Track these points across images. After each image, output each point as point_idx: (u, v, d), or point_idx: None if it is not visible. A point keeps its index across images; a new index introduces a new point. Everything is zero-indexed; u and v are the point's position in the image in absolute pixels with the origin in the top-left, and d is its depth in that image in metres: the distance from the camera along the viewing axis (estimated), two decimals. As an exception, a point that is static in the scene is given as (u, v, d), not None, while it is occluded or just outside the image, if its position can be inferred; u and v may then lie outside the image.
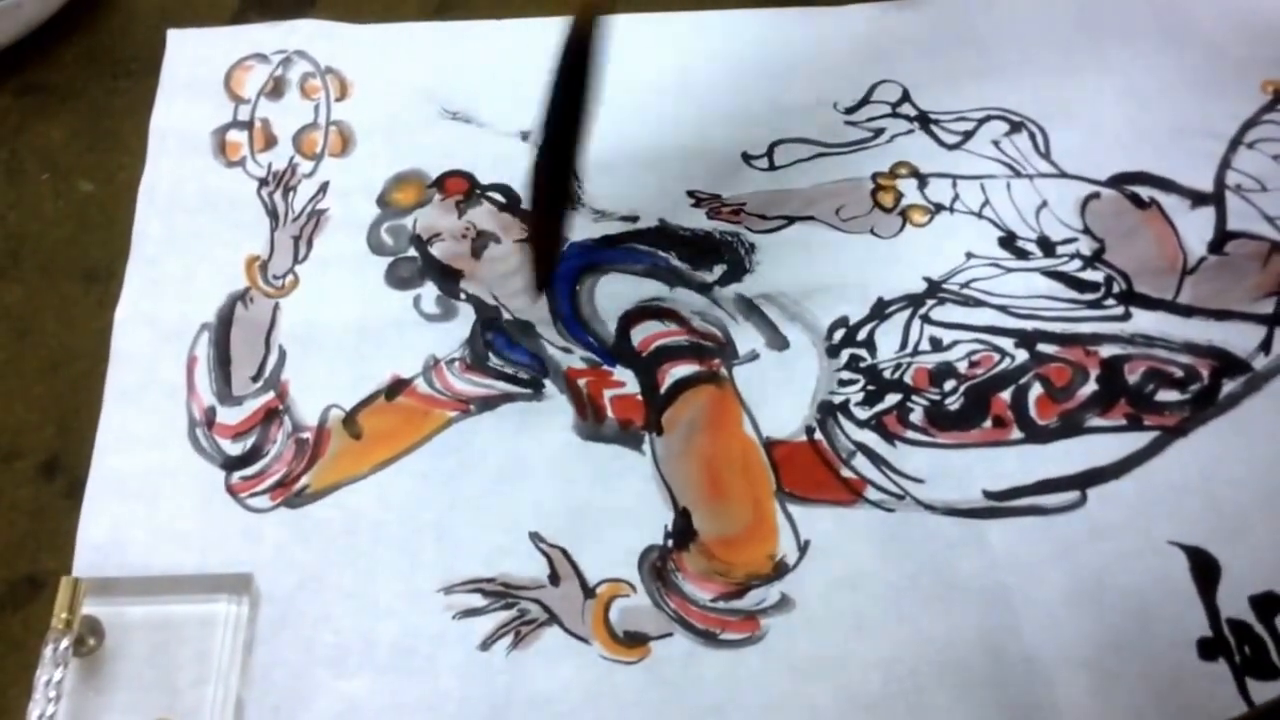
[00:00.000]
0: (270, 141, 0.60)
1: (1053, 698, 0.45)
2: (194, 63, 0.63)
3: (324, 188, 0.58)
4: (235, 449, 0.51)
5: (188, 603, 0.46)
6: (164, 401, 0.52)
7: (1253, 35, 0.63)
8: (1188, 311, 0.54)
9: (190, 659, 0.45)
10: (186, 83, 0.62)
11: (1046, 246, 0.56)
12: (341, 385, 0.52)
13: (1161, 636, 0.46)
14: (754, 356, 0.53)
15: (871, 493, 0.50)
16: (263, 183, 0.59)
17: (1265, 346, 0.53)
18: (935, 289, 0.55)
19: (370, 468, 0.50)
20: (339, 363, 0.53)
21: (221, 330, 0.54)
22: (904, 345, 0.54)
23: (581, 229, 0.57)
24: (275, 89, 0.62)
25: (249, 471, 0.50)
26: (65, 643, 0.43)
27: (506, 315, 0.55)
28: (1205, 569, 0.47)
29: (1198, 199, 0.58)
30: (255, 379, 0.53)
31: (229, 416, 0.52)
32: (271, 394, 0.52)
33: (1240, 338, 0.53)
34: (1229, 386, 0.52)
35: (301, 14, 0.65)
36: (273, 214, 0.58)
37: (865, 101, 0.61)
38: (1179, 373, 0.52)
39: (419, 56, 0.63)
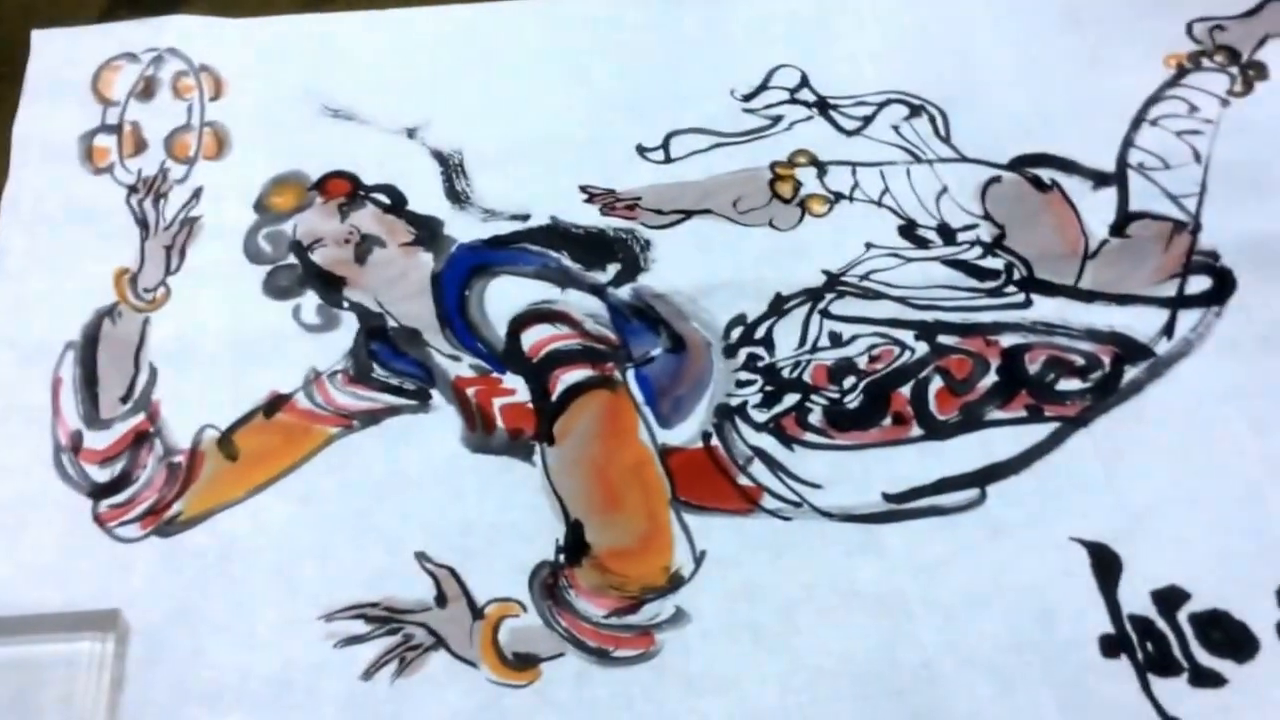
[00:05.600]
0: (140, 145, 0.57)
1: (953, 702, 0.44)
2: (60, 64, 0.59)
3: (197, 193, 0.56)
4: (103, 475, 0.48)
5: (49, 642, 0.44)
6: (27, 427, 0.49)
7: (1155, 8, 0.62)
8: (1089, 297, 0.53)
9: (54, 702, 0.43)
10: (52, 86, 0.59)
11: (947, 234, 0.55)
12: (217, 404, 0.50)
13: (1062, 635, 0.45)
14: (649, 359, 0.52)
15: (769, 501, 0.48)
16: (132, 190, 0.56)
17: (1168, 330, 0.52)
18: (834, 282, 0.53)
19: (247, 491, 0.48)
20: (214, 380, 0.51)
21: (88, 349, 0.51)
22: (803, 342, 0.52)
23: (470, 229, 0.55)
24: (146, 89, 0.59)
25: (118, 499, 0.48)
26: (-90, 695, 0.41)
27: (392, 323, 0.52)
28: (1106, 564, 0.47)
29: (1100, 180, 0.56)
30: (124, 400, 0.50)
31: (96, 441, 0.49)
32: (141, 416, 0.50)
33: (1142, 322, 0.52)
34: (1131, 373, 0.51)
35: (174, 9, 0.61)
36: (143, 223, 0.55)
37: (763, 88, 0.60)
38: (1080, 360, 0.51)
39: (297, 51, 0.60)
